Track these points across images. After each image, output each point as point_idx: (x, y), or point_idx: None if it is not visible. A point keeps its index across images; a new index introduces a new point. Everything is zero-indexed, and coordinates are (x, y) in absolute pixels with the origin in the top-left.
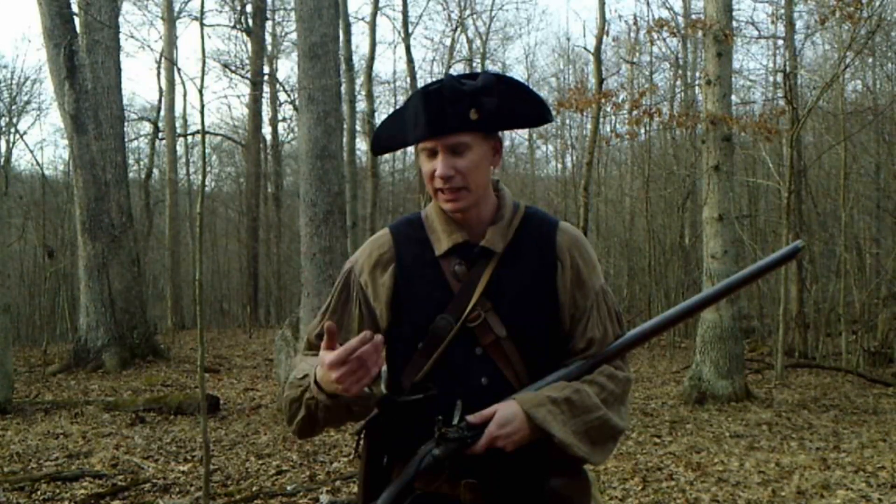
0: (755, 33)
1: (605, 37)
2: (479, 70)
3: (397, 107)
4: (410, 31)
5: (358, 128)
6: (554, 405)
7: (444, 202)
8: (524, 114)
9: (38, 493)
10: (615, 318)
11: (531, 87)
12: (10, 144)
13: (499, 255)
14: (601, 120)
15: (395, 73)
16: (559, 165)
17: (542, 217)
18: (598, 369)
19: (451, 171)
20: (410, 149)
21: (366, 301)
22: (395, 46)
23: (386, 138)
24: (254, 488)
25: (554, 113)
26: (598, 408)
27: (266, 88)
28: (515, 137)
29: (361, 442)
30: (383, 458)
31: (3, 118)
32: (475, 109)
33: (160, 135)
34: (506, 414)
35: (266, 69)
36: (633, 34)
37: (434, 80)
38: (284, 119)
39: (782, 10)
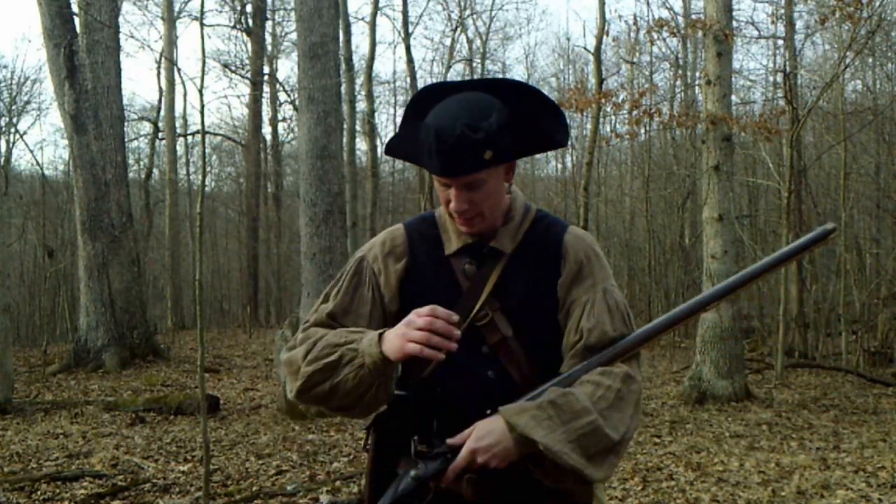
0: (755, 33)
1: (605, 37)
2: (479, 70)
3: (399, 106)
4: (410, 31)
5: (358, 128)
6: (538, 409)
7: (459, 224)
8: (537, 146)
9: (38, 493)
10: (619, 317)
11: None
12: (10, 144)
13: (507, 256)
14: (601, 120)
15: (395, 73)
16: (559, 165)
17: (552, 220)
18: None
19: (466, 206)
20: None
21: (377, 286)
22: (395, 46)
23: (400, 152)
24: (254, 488)
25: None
26: (588, 412)
27: (266, 88)
28: None
29: (370, 437)
30: (390, 453)
31: (3, 118)
32: (490, 151)
33: (160, 135)
34: (485, 426)
35: (266, 69)
36: (633, 34)
37: (457, 79)
38: (284, 119)
39: (782, 10)
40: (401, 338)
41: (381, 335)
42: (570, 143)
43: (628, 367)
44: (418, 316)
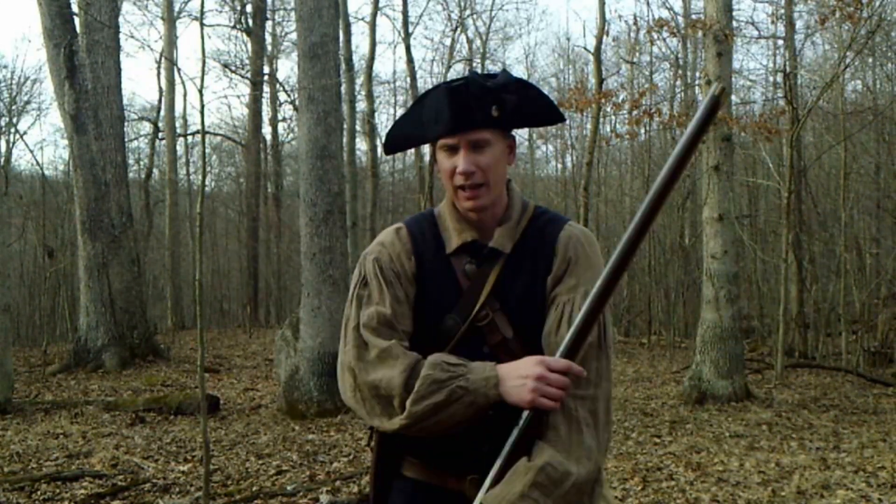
0: (755, 33)
1: (605, 37)
2: (478, 71)
3: (399, 106)
4: (410, 31)
5: (358, 128)
6: (522, 500)
7: (464, 200)
8: (539, 113)
9: (38, 493)
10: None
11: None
12: (10, 144)
13: (506, 256)
14: (601, 120)
15: (395, 73)
16: (559, 165)
17: (550, 217)
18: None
19: (473, 167)
20: (411, 149)
21: (401, 285)
22: (395, 46)
23: (401, 137)
24: (254, 488)
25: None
26: (568, 475)
27: (266, 88)
28: (516, 137)
29: (373, 436)
30: (392, 452)
31: (3, 118)
32: (497, 107)
33: (160, 135)
34: None
35: (266, 69)
36: (633, 34)
37: (456, 77)
38: (284, 119)
39: (782, 10)
40: (530, 390)
41: (496, 374)
42: (570, 143)
43: (587, 385)
44: (551, 369)
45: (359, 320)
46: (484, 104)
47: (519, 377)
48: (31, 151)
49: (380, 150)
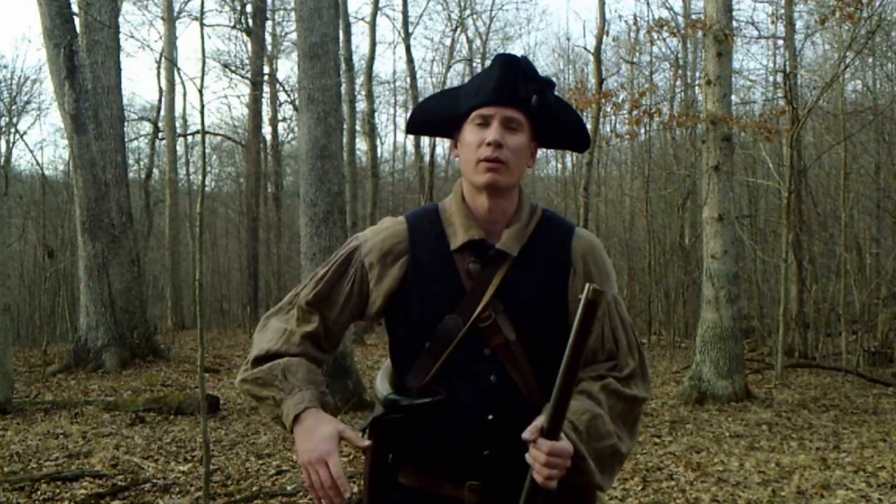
0: (755, 33)
1: (605, 37)
2: (479, 70)
3: (398, 106)
4: (410, 31)
5: (358, 128)
6: (575, 433)
7: (483, 173)
8: (568, 128)
9: (38, 493)
10: (629, 328)
11: None
12: (10, 144)
13: (513, 258)
14: (601, 120)
15: (395, 73)
16: (559, 165)
17: (558, 221)
18: (604, 383)
19: (503, 141)
20: (410, 149)
21: (361, 281)
22: (395, 46)
23: (432, 106)
24: (254, 488)
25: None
26: (611, 435)
27: (266, 88)
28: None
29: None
30: (388, 456)
31: (3, 118)
32: (538, 97)
33: (160, 135)
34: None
35: (266, 69)
36: (633, 34)
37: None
38: (284, 119)
39: (782, 10)
40: (303, 462)
41: (299, 415)
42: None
43: (638, 388)
44: (319, 472)
45: (299, 293)
46: (529, 87)
47: (306, 446)
48: (31, 151)
49: (380, 149)
